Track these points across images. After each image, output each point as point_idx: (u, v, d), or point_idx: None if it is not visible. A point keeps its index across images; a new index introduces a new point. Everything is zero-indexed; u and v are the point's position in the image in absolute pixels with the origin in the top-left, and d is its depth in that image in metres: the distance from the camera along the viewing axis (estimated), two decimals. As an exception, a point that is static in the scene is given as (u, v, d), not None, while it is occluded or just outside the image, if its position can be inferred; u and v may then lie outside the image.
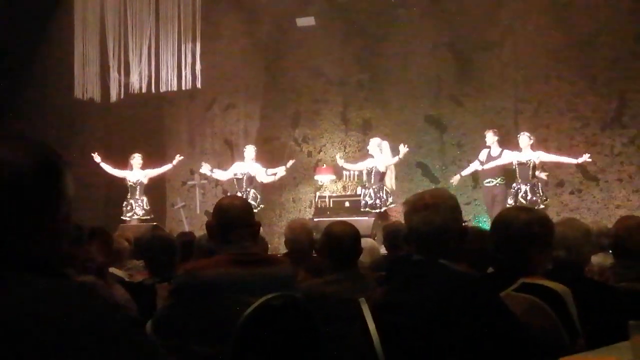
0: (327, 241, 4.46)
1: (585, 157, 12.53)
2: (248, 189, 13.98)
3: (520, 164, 12.76)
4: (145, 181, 14.43)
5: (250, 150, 14.29)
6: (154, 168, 14.65)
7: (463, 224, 3.02)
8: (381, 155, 13.40)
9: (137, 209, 14.26)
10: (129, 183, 14.41)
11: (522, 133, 13.00)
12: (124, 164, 14.62)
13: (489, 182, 13.32)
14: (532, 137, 12.87)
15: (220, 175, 14.51)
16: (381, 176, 13.43)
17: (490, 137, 13.26)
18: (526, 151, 12.78)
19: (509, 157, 12.92)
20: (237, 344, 3.31)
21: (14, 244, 1.43)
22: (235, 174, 14.17)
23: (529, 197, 12.54)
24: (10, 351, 1.28)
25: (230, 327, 3.34)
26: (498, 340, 2.71)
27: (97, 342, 1.34)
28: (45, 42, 16.08)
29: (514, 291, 3.15)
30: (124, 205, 14.45)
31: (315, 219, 13.51)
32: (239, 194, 13.10)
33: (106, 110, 16.31)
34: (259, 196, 14.01)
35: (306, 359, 3.50)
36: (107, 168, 14.48)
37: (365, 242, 5.83)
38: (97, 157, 14.36)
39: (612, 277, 4.37)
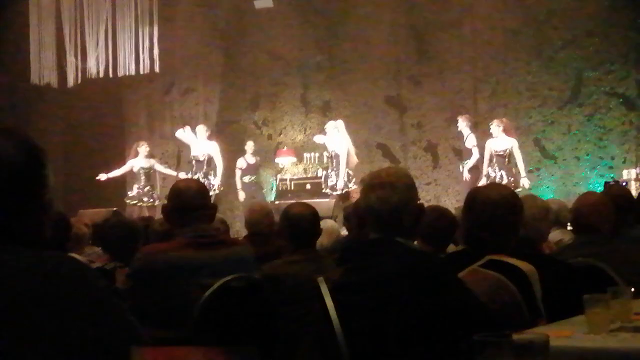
0: (286, 222, 4.47)
1: None
2: (206, 171, 13.98)
3: (497, 155, 12.89)
4: (148, 170, 14.36)
5: (202, 130, 14.23)
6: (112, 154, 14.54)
7: (419, 202, 3.03)
8: (338, 135, 13.38)
9: (143, 196, 14.22)
10: (134, 170, 14.31)
11: (492, 123, 13.04)
12: (82, 148, 14.46)
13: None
14: (501, 124, 12.94)
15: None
16: (340, 158, 13.41)
17: (461, 123, 13.26)
18: (501, 138, 12.88)
19: (488, 148, 12.96)
20: (197, 326, 3.31)
21: (5, 224, 1.61)
22: (194, 157, 14.13)
23: (504, 181, 12.66)
24: None
25: (189, 309, 3.34)
26: (454, 316, 2.73)
27: (82, 306, 1.52)
28: (0, 28, 15.84)
29: (480, 267, 3.18)
30: (128, 192, 14.43)
31: (277, 202, 13.51)
32: (197, 177, 13.07)
33: (64, 95, 16.13)
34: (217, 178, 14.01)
35: (266, 340, 3.51)
36: (115, 172, 14.41)
37: (325, 223, 5.84)
38: (102, 176, 14.33)
39: (569, 252, 4.42)
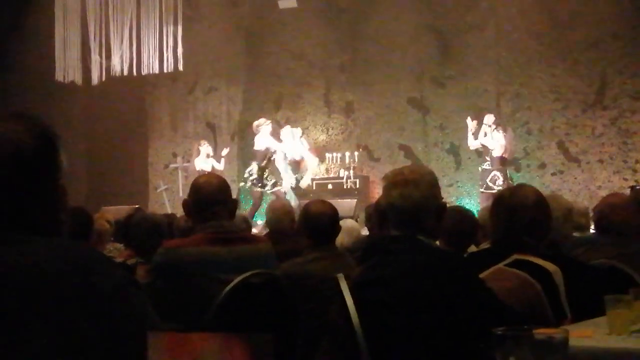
0: (305, 220, 4.47)
1: None
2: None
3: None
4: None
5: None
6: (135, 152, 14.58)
7: (442, 200, 3.01)
8: (293, 142, 13.79)
9: None
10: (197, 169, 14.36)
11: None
12: (105, 146, 14.50)
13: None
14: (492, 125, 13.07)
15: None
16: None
17: (487, 119, 13.32)
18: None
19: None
20: (216, 321, 3.31)
21: (19, 210, 1.59)
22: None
23: (499, 182, 12.68)
24: (13, 301, 1.43)
25: (209, 304, 3.35)
26: (474, 314, 2.72)
27: (99, 293, 1.49)
28: (26, 26, 15.94)
29: (506, 266, 3.17)
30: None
31: (299, 201, 13.52)
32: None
33: (88, 93, 16.22)
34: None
35: (285, 337, 3.51)
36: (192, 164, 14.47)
37: (345, 222, 5.84)
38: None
39: (592, 253, 4.39)
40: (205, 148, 14.46)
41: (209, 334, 1.34)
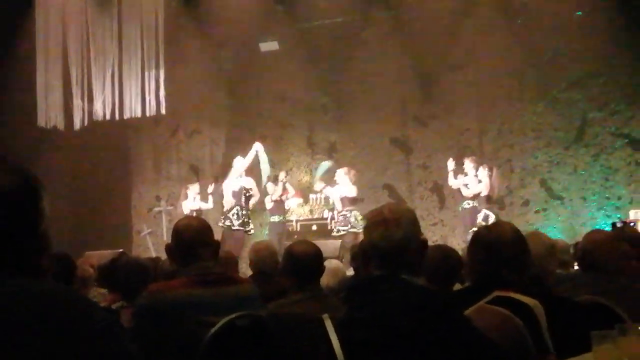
0: (289, 260, 4.46)
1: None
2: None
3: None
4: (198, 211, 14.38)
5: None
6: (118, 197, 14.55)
7: (422, 237, 3.02)
8: (348, 181, 13.48)
9: None
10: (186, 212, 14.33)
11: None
12: (88, 191, 14.44)
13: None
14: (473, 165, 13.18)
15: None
16: (350, 200, 13.46)
17: (468, 164, 13.38)
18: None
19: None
20: (202, 365, 3.29)
21: (3, 253, 1.60)
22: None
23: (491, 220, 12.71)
24: None
25: (194, 347, 3.32)
26: (461, 353, 2.71)
27: (80, 338, 1.50)
28: (7, 71, 15.94)
29: (488, 303, 3.17)
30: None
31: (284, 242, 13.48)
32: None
33: (70, 138, 16.20)
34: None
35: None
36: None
37: (330, 263, 5.82)
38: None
39: (576, 289, 4.40)
40: (194, 189, 14.45)
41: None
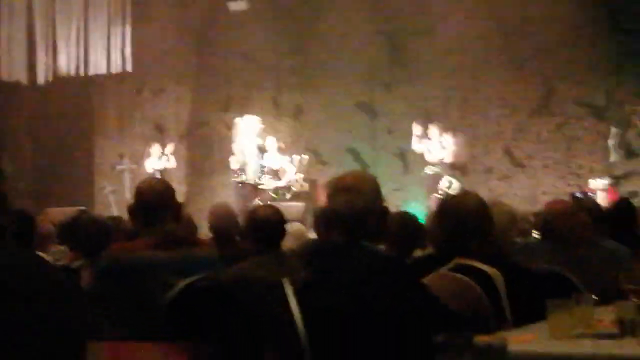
0: (251, 224, 4.47)
1: None
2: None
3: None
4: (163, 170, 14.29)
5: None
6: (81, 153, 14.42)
7: (383, 205, 3.04)
8: None
9: None
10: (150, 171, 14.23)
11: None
12: (50, 146, 14.30)
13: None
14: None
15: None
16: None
17: (432, 131, 13.48)
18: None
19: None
20: (162, 326, 3.29)
21: None
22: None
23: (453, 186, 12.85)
24: None
25: (154, 309, 3.33)
26: (417, 319, 2.74)
27: (38, 299, 1.46)
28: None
29: (448, 270, 3.21)
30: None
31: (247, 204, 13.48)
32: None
33: (34, 93, 16.01)
34: None
35: (230, 341, 3.50)
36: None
37: (292, 226, 5.84)
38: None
39: (535, 258, 4.45)
40: (156, 149, 14.41)
41: (149, 343, 1.33)
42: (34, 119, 16.74)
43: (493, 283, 3.19)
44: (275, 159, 14.18)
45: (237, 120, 14.18)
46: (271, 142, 14.43)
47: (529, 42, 14.42)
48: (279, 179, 14.22)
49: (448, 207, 3.48)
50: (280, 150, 14.51)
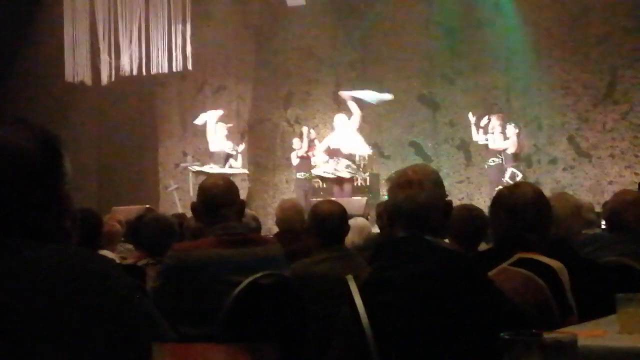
0: (314, 220, 4.47)
1: None
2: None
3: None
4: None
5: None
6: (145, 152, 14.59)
7: (447, 199, 3.01)
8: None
9: None
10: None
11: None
12: (115, 146, 14.50)
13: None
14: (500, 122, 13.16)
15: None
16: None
17: (494, 122, 13.33)
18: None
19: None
20: (226, 323, 3.31)
21: (22, 217, 1.57)
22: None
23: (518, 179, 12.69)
24: (12, 309, 1.42)
25: (218, 307, 3.34)
26: (484, 315, 2.71)
27: (103, 303, 1.48)
28: (35, 26, 15.97)
29: (510, 265, 3.16)
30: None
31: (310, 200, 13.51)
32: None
33: (97, 93, 16.25)
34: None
35: (295, 338, 3.50)
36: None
37: (355, 220, 5.83)
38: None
39: (602, 250, 4.37)
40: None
41: (213, 345, 1.33)
42: (98, 119, 16.99)
43: (557, 277, 3.12)
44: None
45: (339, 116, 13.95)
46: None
47: (593, 30, 14.21)
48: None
49: (503, 199, 3.41)
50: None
